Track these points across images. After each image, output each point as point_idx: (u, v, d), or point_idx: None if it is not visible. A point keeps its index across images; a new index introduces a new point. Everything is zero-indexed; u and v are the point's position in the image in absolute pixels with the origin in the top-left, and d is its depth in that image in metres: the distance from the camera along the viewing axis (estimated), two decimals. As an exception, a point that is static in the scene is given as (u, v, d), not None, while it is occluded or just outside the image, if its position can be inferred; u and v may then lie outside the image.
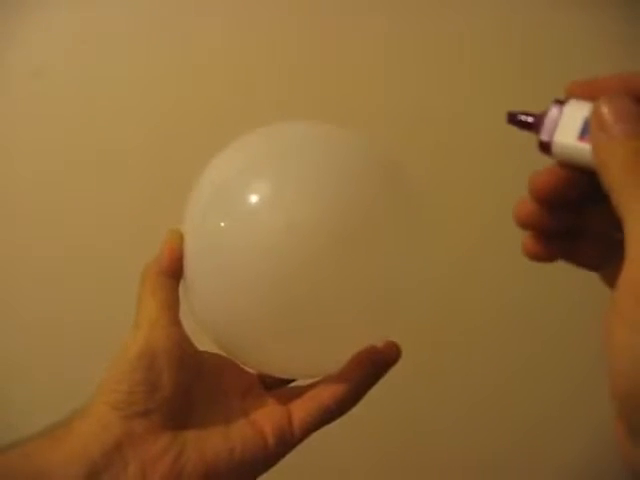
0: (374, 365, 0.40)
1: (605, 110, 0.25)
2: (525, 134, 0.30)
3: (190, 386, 0.38)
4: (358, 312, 0.38)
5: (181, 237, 0.40)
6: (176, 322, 0.39)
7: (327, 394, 0.39)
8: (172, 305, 0.39)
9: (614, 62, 0.75)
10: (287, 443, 0.39)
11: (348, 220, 0.37)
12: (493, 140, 0.73)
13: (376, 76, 0.78)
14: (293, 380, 0.43)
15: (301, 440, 0.39)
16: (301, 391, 0.41)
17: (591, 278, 0.31)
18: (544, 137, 0.28)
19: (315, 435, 0.40)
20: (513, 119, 0.30)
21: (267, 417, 0.39)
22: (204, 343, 0.41)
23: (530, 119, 0.29)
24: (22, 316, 0.80)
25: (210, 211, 0.39)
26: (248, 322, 0.38)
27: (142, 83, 0.79)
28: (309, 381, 0.42)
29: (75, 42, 0.79)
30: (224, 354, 0.42)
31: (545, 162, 0.28)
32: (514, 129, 0.30)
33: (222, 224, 0.38)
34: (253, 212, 0.37)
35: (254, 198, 0.37)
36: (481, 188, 0.78)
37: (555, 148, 0.28)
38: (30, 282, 0.80)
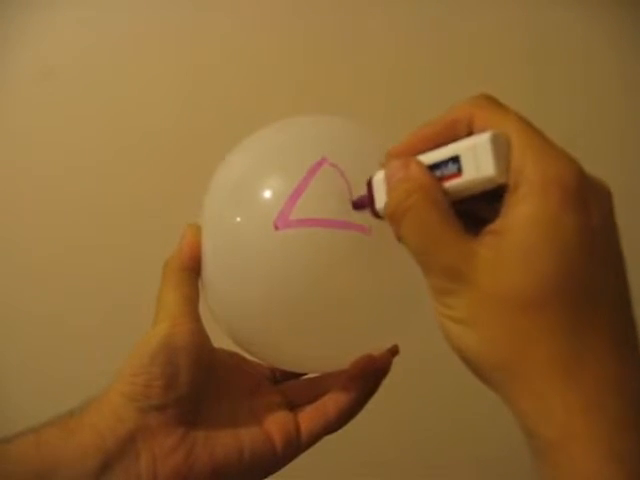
0: (374, 377, 0.41)
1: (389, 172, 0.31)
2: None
3: (204, 383, 0.38)
4: (373, 308, 0.38)
5: (199, 231, 0.40)
6: (197, 318, 0.39)
7: (332, 407, 0.40)
8: (193, 300, 0.39)
9: (616, 62, 0.75)
10: (294, 450, 0.39)
11: (364, 214, 0.36)
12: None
13: (384, 76, 0.78)
14: (304, 374, 0.44)
15: (307, 448, 0.40)
16: (305, 385, 0.42)
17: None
18: (377, 208, 0.33)
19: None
20: (356, 206, 0.35)
21: (276, 424, 0.39)
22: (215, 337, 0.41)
23: (363, 200, 0.34)
24: (22, 316, 0.79)
25: (226, 207, 0.38)
26: (264, 318, 0.38)
27: (153, 83, 0.79)
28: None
29: (85, 43, 0.79)
30: (239, 348, 0.42)
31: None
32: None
33: (238, 219, 0.38)
34: (268, 207, 0.37)
35: (269, 193, 0.37)
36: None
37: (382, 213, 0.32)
38: (30, 282, 0.80)
